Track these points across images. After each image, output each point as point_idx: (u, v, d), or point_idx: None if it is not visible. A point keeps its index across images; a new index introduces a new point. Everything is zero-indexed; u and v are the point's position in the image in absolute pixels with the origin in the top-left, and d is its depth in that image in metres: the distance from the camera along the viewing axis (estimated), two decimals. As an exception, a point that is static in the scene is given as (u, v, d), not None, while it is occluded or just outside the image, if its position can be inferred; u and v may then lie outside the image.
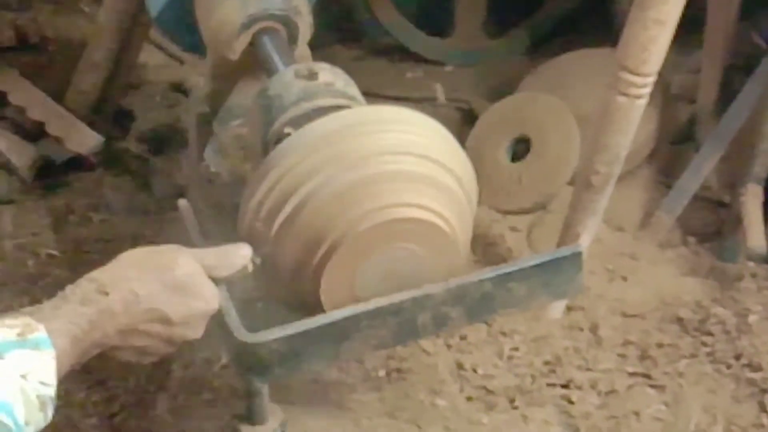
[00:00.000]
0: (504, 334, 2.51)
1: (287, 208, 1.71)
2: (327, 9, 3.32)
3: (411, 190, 1.73)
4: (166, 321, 1.59)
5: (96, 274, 1.57)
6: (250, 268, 1.73)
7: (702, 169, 2.88)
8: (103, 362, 2.30)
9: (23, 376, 1.38)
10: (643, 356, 2.47)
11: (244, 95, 2.22)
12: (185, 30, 2.35)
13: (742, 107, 2.88)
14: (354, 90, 1.96)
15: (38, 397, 1.40)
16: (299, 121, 1.82)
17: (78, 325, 1.49)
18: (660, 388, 2.39)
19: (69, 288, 1.54)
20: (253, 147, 1.99)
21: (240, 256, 1.71)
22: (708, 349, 2.49)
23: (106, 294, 1.53)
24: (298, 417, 2.25)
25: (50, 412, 1.43)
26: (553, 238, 2.62)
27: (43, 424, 1.42)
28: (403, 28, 3.81)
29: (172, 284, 1.59)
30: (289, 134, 1.80)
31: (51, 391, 1.42)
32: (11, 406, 1.35)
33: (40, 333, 1.43)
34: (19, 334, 1.41)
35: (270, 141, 1.86)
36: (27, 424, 1.38)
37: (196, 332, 1.65)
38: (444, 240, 1.77)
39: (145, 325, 1.58)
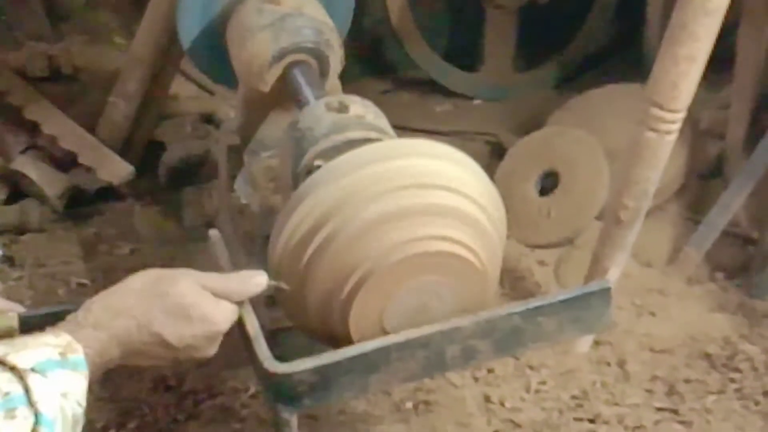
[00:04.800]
0: (531, 367, 2.51)
1: (317, 240, 1.72)
2: (357, 42, 3.35)
3: (441, 224, 1.73)
4: (166, 345, 1.62)
5: (107, 299, 1.60)
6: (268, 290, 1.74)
7: (731, 205, 2.88)
8: (135, 390, 2.35)
9: (64, 395, 1.44)
10: (671, 392, 2.46)
11: (274, 127, 2.24)
12: (217, 62, 2.37)
13: (772, 144, 2.88)
14: (384, 123, 1.97)
15: (73, 416, 1.45)
16: (330, 154, 1.83)
17: (93, 348, 1.54)
18: (687, 424, 2.38)
19: (81, 313, 1.57)
20: (283, 179, 2.00)
21: (254, 283, 1.72)
22: (736, 386, 2.48)
23: (115, 319, 1.57)
24: (325, 448, 2.26)
25: (79, 430, 1.48)
26: (581, 272, 2.62)
27: None
28: (432, 62, 3.83)
29: (172, 310, 1.61)
30: (319, 166, 1.81)
31: (82, 411, 1.47)
32: (53, 423, 1.40)
33: (79, 355, 1.49)
34: (61, 354, 1.47)
35: (301, 173, 1.87)
36: None
37: (204, 352, 1.67)
38: (473, 273, 1.77)
39: (147, 347, 1.61)
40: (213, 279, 1.68)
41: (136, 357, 1.61)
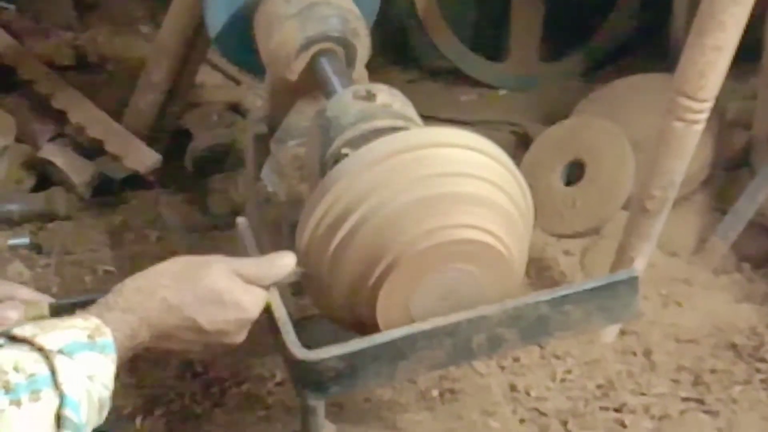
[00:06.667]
0: (557, 356, 2.51)
1: (345, 228, 1.72)
2: (383, 32, 3.35)
3: (468, 212, 1.73)
4: (198, 330, 1.62)
5: (138, 282, 1.61)
6: (294, 276, 1.75)
7: (757, 196, 2.87)
8: (161, 377, 2.36)
9: (90, 378, 1.44)
10: (697, 382, 2.46)
11: (301, 116, 2.24)
12: (244, 51, 2.37)
13: (799, 133, 2.87)
14: (411, 111, 1.97)
15: (99, 399, 1.45)
16: (357, 142, 1.83)
17: (122, 332, 1.54)
18: (713, 413, 2.38)
19: (111, 296, 1.58)
20: (310, 167, 2.01)
21: (284, 264, 1.73)
22: (762, 376, 2.47)
23: (147, 301, 1.58)
24: (351, 436, 2.27)
25: (105, 414, 1.48)
26: (607, 262, 2.62)
27: (97, 423, 1.47)
28: (458, 52, 3.82)
29: (206, 295, 1.62)
30: (346, 155, 1.81)
31: (108, 394, 1.48)
32: (79, 405, 1.40)
33: (107, 338, 1.50)
34: (89, 336, 1.47)
35: (328, 161, 1.87)
36: (87, 423, 1.43)
37: (234, 339, 1.68)
38: (500, 262, 1.77)
39: (178, 331, 1.62)
40: (244, 265, 1.68)
41: (166, 340, 1.61)
